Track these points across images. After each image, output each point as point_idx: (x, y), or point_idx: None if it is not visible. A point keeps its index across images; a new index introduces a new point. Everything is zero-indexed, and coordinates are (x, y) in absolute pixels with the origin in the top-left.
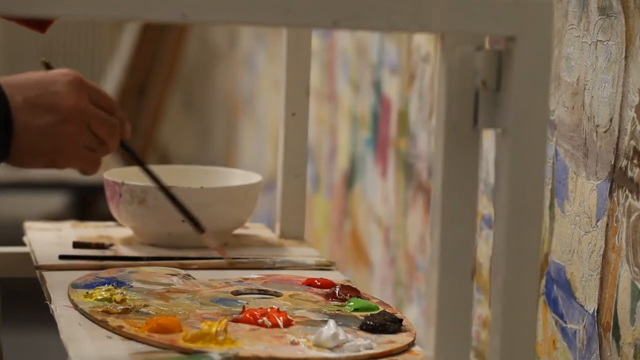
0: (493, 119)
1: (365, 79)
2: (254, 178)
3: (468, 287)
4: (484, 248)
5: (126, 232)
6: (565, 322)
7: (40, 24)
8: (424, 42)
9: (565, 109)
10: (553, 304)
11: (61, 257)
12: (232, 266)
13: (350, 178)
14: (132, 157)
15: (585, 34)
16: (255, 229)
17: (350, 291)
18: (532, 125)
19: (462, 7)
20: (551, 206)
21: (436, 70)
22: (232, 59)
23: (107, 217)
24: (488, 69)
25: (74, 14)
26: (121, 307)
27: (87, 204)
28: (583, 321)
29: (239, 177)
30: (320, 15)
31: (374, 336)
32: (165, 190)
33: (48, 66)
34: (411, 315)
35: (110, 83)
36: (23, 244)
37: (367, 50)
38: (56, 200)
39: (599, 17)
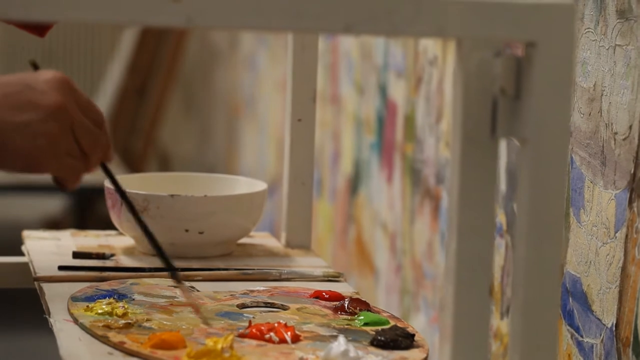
0: (512, 127)
1: (370, 82)
2: (260, 186)
3: (485, 302)
4: (495, 257)
5: (127, 241)
6: (582, 336)
7: (40, 28)
8: (431, 45)
9: (581, 115)
10: (568, 316)
11: (60, 267)
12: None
13: (355, 183)
14: (112, 182)
15: (602, 38)
16: (260, 237)
17: (359, 304)
18: (553, 134)
19: (480, 12)
20: (566, 216)
21: (452, 77)
22: (233, 59)
23: (108, 219)
24: (507, 76)
25: (75, 19)
26: (123, 321)
27: (87, 206)
28: (601, 335)
29: (243, 184)
30: (332, 20)
31: (385, 352)
32: (141, 223)
33: (35, 66)
34: (418, 324)
35: (111, 83)
36: (22, 248)
37: (371, 53)
38: (56, 203)
39: (618, 21)
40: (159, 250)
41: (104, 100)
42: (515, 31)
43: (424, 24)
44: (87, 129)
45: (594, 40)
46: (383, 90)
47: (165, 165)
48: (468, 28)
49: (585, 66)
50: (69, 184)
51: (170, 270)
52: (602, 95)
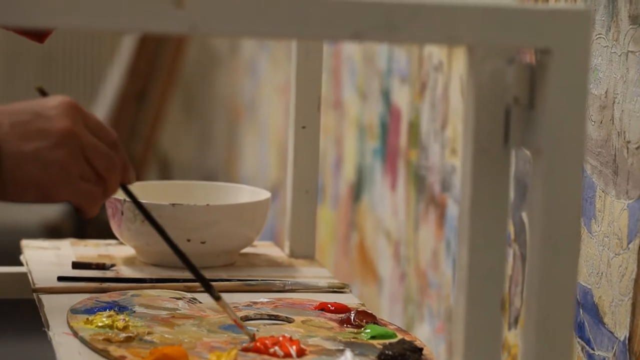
0: (525, 138)
1: (373, 87)
2: (263, 195)
3: (497, 316)
4: None
5: (128, 251)
6: (593, 349)
7: (39, 34)
8: (435, 51)
9: (593, 123)
10: (579, 329)
11: (60, 278)
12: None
13: (358, 189)
14: (136, 206)
15: (614, 44)
16: (263, 247)
17: (366, 317)
18: (568, 145)
19: (493, 18)
20: None
21: (460, 84)
22: (234, 64)
23: (108, 225)
24: (520, 84)
25: (76, 25)
26: (124, 334)
27: None
28: (613, 348)
29: (246, 193)
30: (339, 28)
31: None
32: (178, 251)
33: (42, 92)
34: (423, 334)
35: (110, 88)
36: (21, 258)
37: (374, 58)
38: (55, 208)
39: (630, 27)
40: (192, 268)
41: (103, 105)
42: (529, 38)
43: (434, 31)
44: (100, 151)
45: (605, 47)
46: (386, 95)
47: (165, 170)
48: (481, 35)
49: (597, 73)
50: (88, 209)
51: (205, 286)
52: (614, 102)
